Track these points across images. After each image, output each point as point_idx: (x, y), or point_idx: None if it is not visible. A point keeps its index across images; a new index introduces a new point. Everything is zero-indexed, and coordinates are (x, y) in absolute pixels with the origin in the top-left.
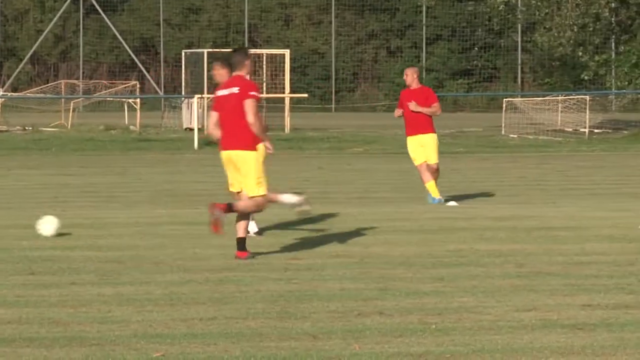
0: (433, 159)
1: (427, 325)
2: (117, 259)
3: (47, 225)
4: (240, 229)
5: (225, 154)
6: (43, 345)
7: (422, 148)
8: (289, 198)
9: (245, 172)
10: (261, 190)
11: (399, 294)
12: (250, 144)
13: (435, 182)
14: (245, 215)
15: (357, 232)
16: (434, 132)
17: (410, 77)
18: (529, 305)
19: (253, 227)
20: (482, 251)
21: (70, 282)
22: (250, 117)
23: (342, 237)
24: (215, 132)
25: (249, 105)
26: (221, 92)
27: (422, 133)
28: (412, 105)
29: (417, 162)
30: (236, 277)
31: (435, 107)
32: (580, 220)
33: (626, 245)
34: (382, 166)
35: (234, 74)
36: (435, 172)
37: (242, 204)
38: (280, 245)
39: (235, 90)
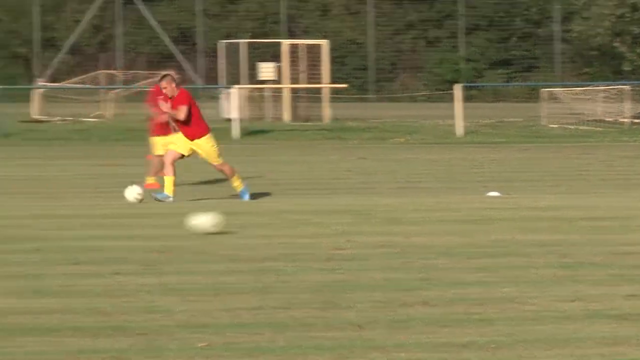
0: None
1: (471, 315)
2: (161, 248)
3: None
4: None
5: None
6: (88, 334)
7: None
8: None
9: None
10: None
11: (442, 284)
12: None
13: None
14: None
15: (399, 223)
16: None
17: (169, 88)
18: (572, 296)
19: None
20: (524, 241)
21: (114, 272)
22: None
23: (385, 227)
24: None
25: None
26: None
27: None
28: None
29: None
30: (279, 267)
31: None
32: (624, 210)
33: None
34: (423, 156)
35: None
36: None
37: None
38: (323, 236)
39: None
